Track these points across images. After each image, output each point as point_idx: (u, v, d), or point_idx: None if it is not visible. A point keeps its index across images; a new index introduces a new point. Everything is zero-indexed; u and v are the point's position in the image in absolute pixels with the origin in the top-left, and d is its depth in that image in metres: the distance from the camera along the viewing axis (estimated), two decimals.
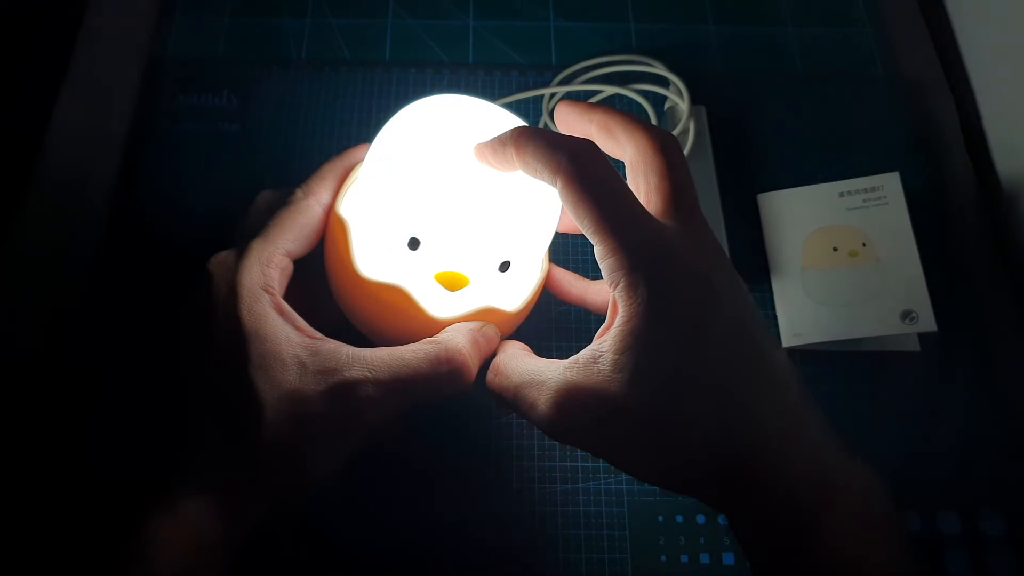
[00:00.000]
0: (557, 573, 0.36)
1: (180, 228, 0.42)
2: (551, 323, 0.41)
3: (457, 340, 0.30)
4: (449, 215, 0.30)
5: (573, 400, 0.27)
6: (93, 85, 0.46)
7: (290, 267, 0.32)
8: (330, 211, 0.34)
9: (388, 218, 0.31)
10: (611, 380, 0.26)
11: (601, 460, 0.38)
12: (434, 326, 0.32)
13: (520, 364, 0.30)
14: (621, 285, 0.26)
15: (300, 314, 0.31)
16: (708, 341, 0.26)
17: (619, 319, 0.26)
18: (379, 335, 0.33)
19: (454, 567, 0.36)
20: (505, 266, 0.32)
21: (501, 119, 0.32)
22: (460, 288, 0.32)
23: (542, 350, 0.31)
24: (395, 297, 0.31)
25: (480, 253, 0.31)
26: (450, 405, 0.39)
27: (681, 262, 0.26)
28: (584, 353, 0.27)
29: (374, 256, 0.32)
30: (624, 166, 0.30)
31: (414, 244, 0.31)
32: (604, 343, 0.27)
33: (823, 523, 0.25)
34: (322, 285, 0.34)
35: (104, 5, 0.49)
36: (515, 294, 0.34)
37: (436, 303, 0.32)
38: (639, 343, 0.26)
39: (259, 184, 0.37)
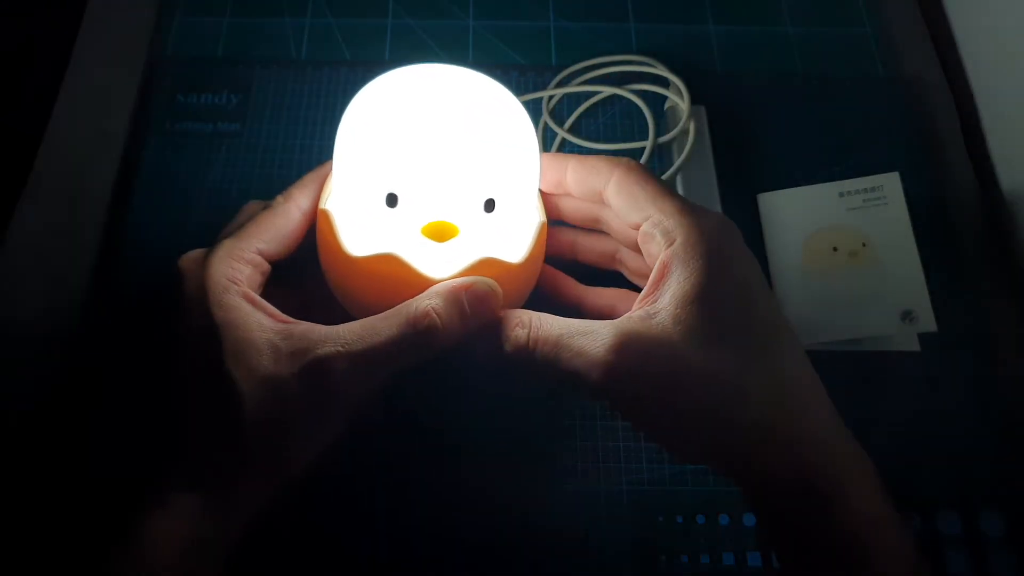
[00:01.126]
0: (557, 573, 0.36)
1: (180, 228, 0.42)
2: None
3: (428, 300, 0.29)
4: (422, 164, 0.30)
5: (633, 345, 0.28)
6: (93, 85, 0.46)
7: (264, 265, 0.32)
8: (314, 211, 0.34)
9: (362, 183, 0.31)
10: (672, 332, 0.28)
11: (607, 455, 0.38)
12: (427, 283, 0.31)
13: (557, 319, 0.30)
14: (680, 242, 0.29)
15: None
16: (760, 310, 0.29)
17: (677, 277, 0.28)
18: (376, 310, 0.32)
19: (453, 567, 0.36)
20: (490, 205, 0.31)
21: (460, 77, 0.32)
22: (449, 238, 0.31)
23: None
24: (389, 266, 0.30)
25: (460, 194, 0.31)
26: (450, 406, 0.39)
27: (730, 237, 0.30)
28: (635, 312, 0.29)
29: (358, 229, 0.31)
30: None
31: (392, 201, 0.30)
32: (660, 300, 0.28)
33: (845, 496, 0.27)
34: (315, 291, 0.34)
35: (104, 5, 0.49)
36: (512, 241, 0.33)
37: (429, 262, 0.31)
38: (700, 298, 0.28)
39: (259, 184, 0.37)
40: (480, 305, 0.30)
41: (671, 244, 0.29)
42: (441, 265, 0.31)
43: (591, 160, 0.33)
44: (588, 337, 0.28)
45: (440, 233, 0.31)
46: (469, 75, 0.33)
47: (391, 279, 0.31)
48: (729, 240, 0.30)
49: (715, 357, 0.27)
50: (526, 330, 0.30)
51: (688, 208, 0.30)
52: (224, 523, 0.28)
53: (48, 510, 0.35)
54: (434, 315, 0.29)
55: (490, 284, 0.31)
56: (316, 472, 0.30)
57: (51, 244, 0.42)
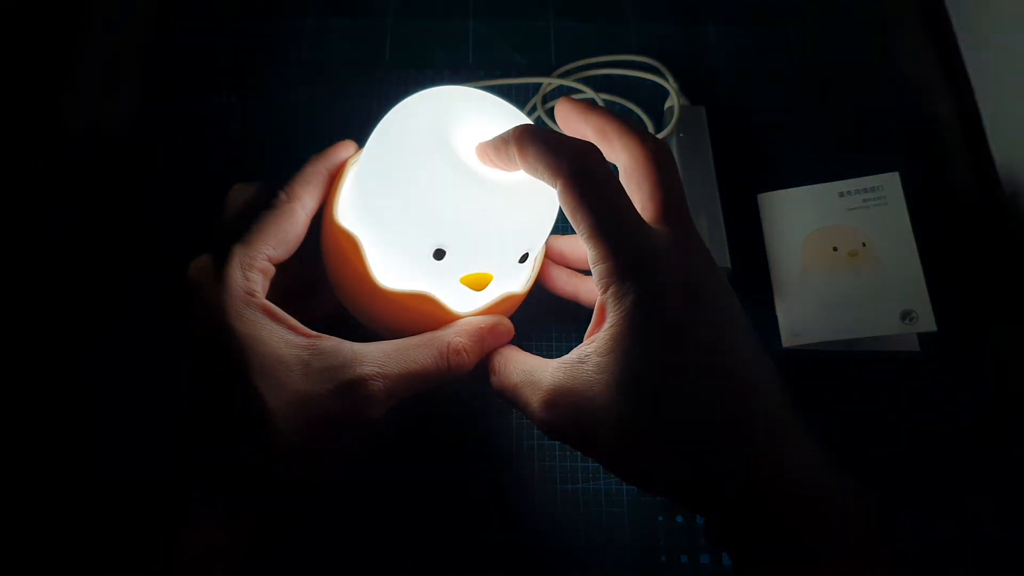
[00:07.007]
0: (557, 573, 0.36)
1: (180, 228, 0.42)
2: (551, 318, 0.41)
3: (459, 337, 0.31)
4: (472, 221, 0.30)
5: (561, 400, 0.28)
6: (93, 85, 0.46)
7: (272, 271, 0.32)
8: (327, 220, 0.33)
9: (409, 232, 0.30)
10: (595, 382, 0.27)
11: None
12: (453, 319, 0.32)
13: (517, 364, 0.31)
14: (610, 291, 0.27)
15: (285, 310, 0.31)
16: (688, 351, 0.26)
17: (606, 324, 0.27)
18: (397, 334, 0.33)
19: (453, 567, 0.36)
20: (524, 258, 0.32)
21: (498, 111, 0.32)
22: (486, 286, 0.32)
23: (542, 340, 0.31)
24: (421, 304, 0.31)
25: (504, 251, 0.32)
26: (450, 408, 0.39)
27: (668, 271, 0.27)
28: (572, 354, 0.28)
29: (395, 269, 0.31)
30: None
31: (439, 255, 0.30)
32: (591, 345, 0.27)
33: (800, 532, 0.25)
34: (304, 278, 0.34)
35: (104, 4, 0.49)
36: (525, 277, 0.34)
37: (459, 300, 0.32)
38: (622, 348, 0.26)
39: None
40: (496, 341, 0.32)
41: (605, 290, 0.27)
42: (468, 302, 0.32)
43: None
44: (530, 389, 0.29)
45: (478, 283, 0.32)
46: (503, 108, 0.33)
47: (419, 312, 0.32)
48: (665, 283, 0.27)
49: (639, 408, 0.26)
50: (496, 376, 0.31)
51: (617, 252, 0.27)
52: (241, 532, 0.29)
53: (66, 519, 0.35)
54: (464, 354, 0.31)
55: (508, 326, 0.33)
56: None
57: (52, 244, 0.42)
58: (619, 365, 0.26)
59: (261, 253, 0.31)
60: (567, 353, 0.29)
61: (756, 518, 0.26)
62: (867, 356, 0.41)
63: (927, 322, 0.38)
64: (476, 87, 0.34)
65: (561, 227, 0.41)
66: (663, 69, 0.47)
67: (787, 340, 0.40)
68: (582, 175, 0.27)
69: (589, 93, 0.46)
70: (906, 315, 0.38)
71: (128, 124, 0.45)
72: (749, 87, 0.48)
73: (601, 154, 0.28)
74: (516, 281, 0.34)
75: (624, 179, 0.30)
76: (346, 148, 0.35)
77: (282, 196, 0.33)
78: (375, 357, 0.30)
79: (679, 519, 0.37)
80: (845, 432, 0.39)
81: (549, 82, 0.47)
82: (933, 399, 0.40)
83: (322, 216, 0.34)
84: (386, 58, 0.48)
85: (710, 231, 0.41)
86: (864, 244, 0.40)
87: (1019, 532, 0.37)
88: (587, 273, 0.36)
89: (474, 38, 0.49)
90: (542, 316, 0.40)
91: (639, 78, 0.47)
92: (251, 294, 0.30)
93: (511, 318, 0.33)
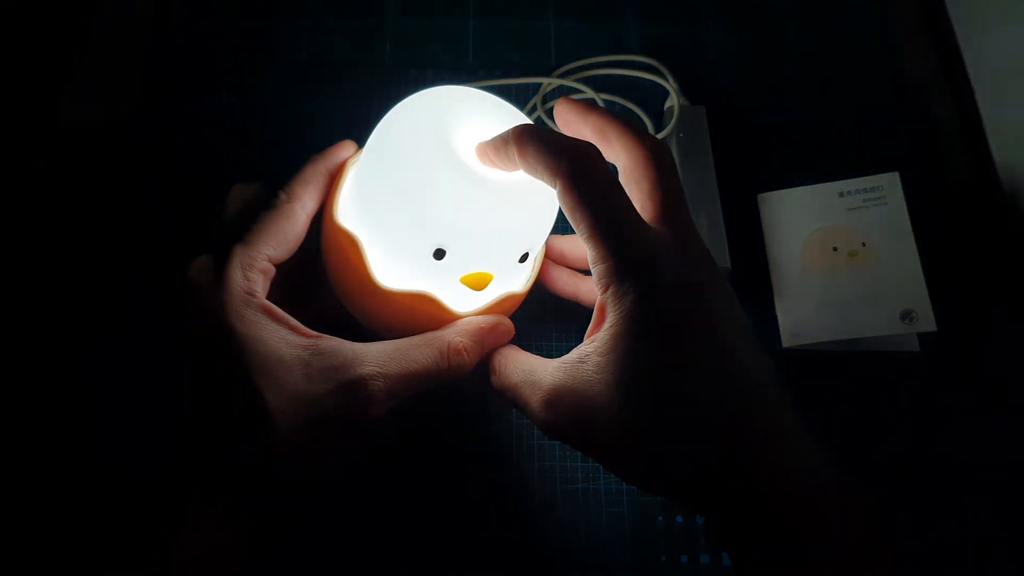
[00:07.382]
0: (557, 573, 0.36)
1: (180, 228, 0.42)
2: (551, 318, 0.41)
3: (459, 337, 0.31)
4: (472, 221, 0.30)
5: (561, 400, 0.28)
6: (93, 85, 0.46)
7: (272, 271, 0.32)
8: (327, 219, 0.33)
9: (409, 232, 0.30)
10: (595, 382, 0.27)
11: None
12: (453, 319, 0.32)
13: (517, 364, 0.31)
14: (610, 291, 0.27)
15: (285, 311, 0.31)
16: (688, 350, 0.26)
17: (606, 323, 0.27)
18: (397, 334, 0.33)
19: (453, 567, 0.36)
20: (524, 257, 0.32)
21: (498, 111, 0.32)
22: (486, 286, 0.32)
23: (542, 340, 0.31)
24: (421, 304, 0.31)
25: (504, 251, 0.32)
26: (450, 408, 0.39)
27: (668, 271, 0.27)
28: (572, 353, 0.28)
29: (395, 269, 0.31)
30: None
31: (440, 254, 0.30)
32: (591, 345, 0.27)
33: (800, 532, 0.25)
34: (304, 279, 0.34)
35: (105, 4, 0.49)
36: (525, 276, 0.35)
37: (461, 302, 0.32)
38: (622, 348, 0.26)
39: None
40: (496, 341, 0.32)
41: (605, 290, 0.27)
42: (469, 302, 0.32)
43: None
44: (530, 388, 0.29)
45: (478, 283, 0.32)
46: (502, 107, 0.33)
47: (419, 312, 0.32)
48: (664, 283, 0.27)
49: (638, 408, 0.26)
50: (496, 376, 0.31)
51: (616, 252, 0.26)
52: (241, 532, 0.29)
53: (64, 512, 0.35)
54: (464, 354, 0.31)
55: (508, 325, 0.33)
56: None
57: (54, 245, 0.42)
58: (619, 365, 0.26)
59: (261, 253, 0.31)
60: (567, 353, 0.29)
61: (756, 518, 0.26)
62: (867, 356, 0.41)
63: (927, 322, 0.38)
64: (476, 87, 0.34)
65: (561, 227, 0.41)
66: (663, 69, 0.47)
67: (787, 340, 0.40)
68: (582, 175, 0.27)
69: (589, 93, 0.46)
70: (906, 315, 0.38)
71: (128, 124, 0.45)
72: (749, 87, 0.48)
73: (600, 154, 0.28)
74: (516, 281, 0.34)
75: (623, 179, 0.30)
76: (346, 148, 0.35)
77: (282, 196, 0.33)
78: (375, 357, 0.30)
79: (679, 519, 0.38)
80: (845, 432, 0.39)
81: (549, 82, 0.47)
82: (933, 399, 0.40)
83: (322, 216, 0.34)
84: (386, 58, 0.48)
85: (710, 231, 0.41)
86: (864, 244, 0.40)
87: (1019, 532, 0.37)
88: (587, 273, 0.36)
89: (474, 38, 0.49)
90: (542, 316, 0.40)
91: (639, 78, 0.47)
92: (251, 294, 0.30)
93: (511, 318, 0.33)
